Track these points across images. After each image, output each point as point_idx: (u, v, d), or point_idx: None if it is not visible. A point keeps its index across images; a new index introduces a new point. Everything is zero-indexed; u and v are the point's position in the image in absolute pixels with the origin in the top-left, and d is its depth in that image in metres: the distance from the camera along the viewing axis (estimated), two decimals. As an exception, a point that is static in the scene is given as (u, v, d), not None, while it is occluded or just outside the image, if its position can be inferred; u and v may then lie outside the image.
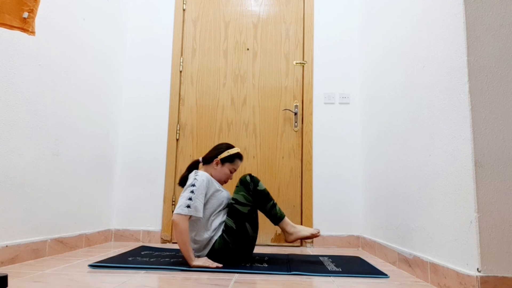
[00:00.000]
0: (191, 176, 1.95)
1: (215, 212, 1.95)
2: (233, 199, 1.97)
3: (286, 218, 2.00)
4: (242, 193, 1.97)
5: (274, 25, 3.10)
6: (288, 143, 2.96)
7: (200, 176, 1.92)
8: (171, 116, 2.99)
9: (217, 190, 1.98)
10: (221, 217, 1.98)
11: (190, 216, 1.84)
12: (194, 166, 2.08)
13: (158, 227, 2.84)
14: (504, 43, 1.36)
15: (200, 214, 1.86)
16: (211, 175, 2.08)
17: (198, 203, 1.86)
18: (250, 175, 2.00)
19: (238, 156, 2.11)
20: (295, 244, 2.82)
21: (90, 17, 2.50)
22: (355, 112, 2.97)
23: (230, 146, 2.11)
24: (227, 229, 1.92)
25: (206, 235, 1.91)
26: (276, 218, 1.98)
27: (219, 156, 2.07)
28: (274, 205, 1.99)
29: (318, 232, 1.99)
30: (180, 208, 1.82)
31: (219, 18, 3.12)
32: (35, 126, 1.98)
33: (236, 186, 2.01)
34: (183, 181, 2.03)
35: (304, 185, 2.88)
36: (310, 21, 3.08)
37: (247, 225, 1.93)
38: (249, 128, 2.98)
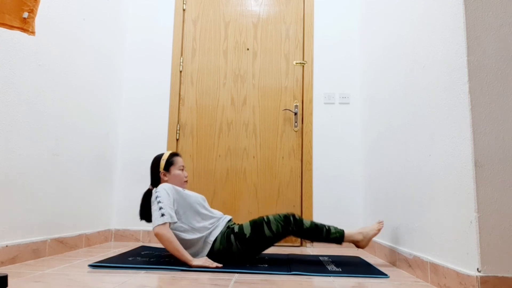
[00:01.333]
0: (153, 194, 1.93)
1: (195, 214, 1.95)
2: (267, 218, 1.95)
3: (346, 232, 1.98)
4: (278, 223, 1.93)
5: (274, 25, 3.10)
6: (288, 143, 2.96)
7: (159, 188, 1.91)
8: (171, 116, 2.99)
9: (185, 193, 1.97)
10: (209, 218, 1.97)
11: (170, 224, 1.84)
12: (148, 195, 2.06)
13: (158, 227, 2.84)
14: (504, 43, 1.36)
15: (176, 219, 1.85)
16: None
17: (169, 209, 1.85)
18: (293, 215, 1.95)
19: (173, 155, 2.09)
20: (295, 244, 2.82)
21: (90, 17, 2.50)
22: (355, 112, 2.97)
23: (161, 154, 2.10)
24: (239, 232, 1.92)
25: (197, 235, 1.92)
26: (338, 239, 1.95)
27: (160, 168, 2.06)
28: (329, 230, 1.96)
29: (382, 222, 2.01)
30: (156, 220, 1.81)
31: (219, 18, 3.12)
32: (35, 126, 1.98)
33: (279, 215, 1.97)
34: (143, 213, 2.03)
35: (304, 185, 2.88)
36: (310, 21, 3.08)
37: (259, 242, 1.93)
38: (249, 128, 2.98)
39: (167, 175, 2.06)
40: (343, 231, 1.97)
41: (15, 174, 1.84)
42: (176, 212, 1.92)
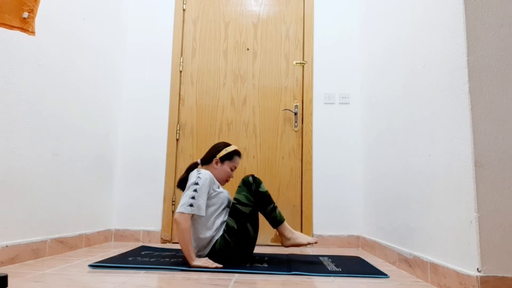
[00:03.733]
0: (193, 174, 1.94)
1: (216, 211, 1.96)
2: (235, 199, 1.97)
3: (285, 223, 2.00)
4: (244, 193, 1.97)
5: (274, 25, 3.10)
6: (288, 143, 2.96)
7: (203, 175, 1.92)
8: (171, 116, 2.99)
9: (218, 190, 1.99)
10: (223, 217, 1.98)
11: (193, 215, 1.84)
12: (193, 168, 2.08)
13: (158, 227, 2.84)
14: (504, 43, 1.36)
15: (203, 213, 1.86)
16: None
17: (201, 201, 1.86)
18: (252, 176, 2.00)
19: (236, 153, 2.12)
20: (295, 244, 2.82)
21: (90, 17, 2.50)
22: (355, 112, 2.97)
23: (228, 144, 2.12)
24: (228, 229, 1.92)
25: (208, 234, 1.91)
26: (276, 221, 1.98)
27: (218, 155, 2.08)
28: (275, 208, 1.99)
29: (316, 242, 1.98)
30: (183, 206, 1.81)
31: (219, 18, 3.12)
32: (35, 126, 1.98)
33: (239, 187, 2.01)
34: (182, 183, 2.03)
35: (304, 185, 2.88)
36: (310, 21, 3.08)
37: (249, 225, 1.93)
38: (249, 128, 2.98)
39: (218, 164, 2.08)
40: (284, 219, 2.00)
41: (15, 174, 1.84)
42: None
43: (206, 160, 2.10)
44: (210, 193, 1.94)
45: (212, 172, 2.08)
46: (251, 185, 1.97)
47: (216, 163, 2.08)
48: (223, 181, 2.11)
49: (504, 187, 1.30)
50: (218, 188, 2.01)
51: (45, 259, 1.99)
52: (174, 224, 1.81)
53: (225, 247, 1.90)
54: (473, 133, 1.32)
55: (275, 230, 2.84)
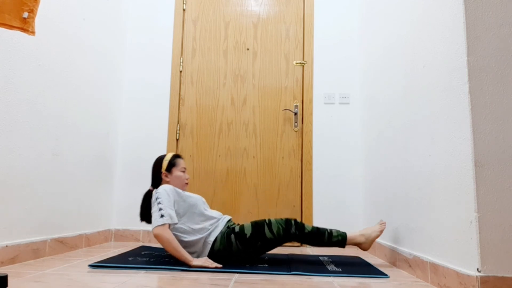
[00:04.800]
0: (153, 195, 1.94)
1: (196, 216, 1.95)
2: (269, 220, 1.95)
3: (349, 234, 1.96)
4: (279, 226, 1.93)
5: (274, 25, 3.10)
6: (288, 143, 2.96)
7: (160, 189, 1.91)
8: (171, 116, 2.99)
9: (185, 194, 1.98)
10: (203, 219, 1.97)
11: (169, 225, 1.84)
12: (149, 196, 2.07)
13: (158, 227, 2.84)
14: (504, 43, 1.36)
15: (176, 220, 1.86)
16: None
17: (169, 210, 1.85)
18: (295, 220, 1.95)
19: (175, 157, 2.10)
20: (294, 244, 2.82)
21: (90, 17, 2.50)
22: (355, 112, 2.97)
23: (163, 155, 2.10)
24: (239, 232, 1.92)
25: (197, 236, 1.92)
26: (341, 242, 1.94)
27: (162, 169, 2.06)
28: (330, 234, 1.94)
29: (384, 223, 1.98)
30: (155, 221, 1.81)
31: (219, 18, 3.12)
32: (35, 126, 1.98)
33: (281, 218, 1.97)
34: (143, 214, 2.03)
35: (304, 185, 2.88)
36: (310, 21, 3.08)
37: (260, 244, 1.92)
38: (249, 128, 2.98)
39: (168, 176, 2.06)
40: (345, 234, 1.95)
41: (15, 174, 1.84)
42: (176, 213, 1.92)
43: (156, 181, 2.08)
44: (177, 201, 1.94)
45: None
46: (290, 227, 1.92)
47: (166, 176, 2.06)
48: (183, 186, 2.09)
49: (504, 187, 1.29)
50: (184, 192, 2.00)
51: (45, 259, 1.98)
52: (157, 240, 1.81)
53: (226, 247, 1.90)
54: (473, 133, 1.32)
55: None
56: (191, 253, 1.94)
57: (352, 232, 2.00)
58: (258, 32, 3.09)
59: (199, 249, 1.94)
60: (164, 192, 1.89)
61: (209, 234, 1.95)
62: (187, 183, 2.10)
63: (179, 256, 1.79)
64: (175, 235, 1.91)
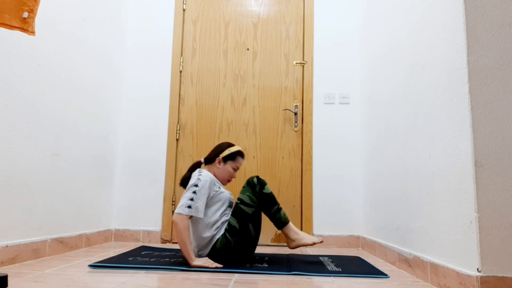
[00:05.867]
0: (195, 175, 1.95)
1: (217, 212, 1.96)
2: (238, 199, 1.98)
3: (290, 224, 2.00)
4: (248, 194, 1.97)
5: (274, 25, 3.10)
6: (288, 143, 2.96)
7: (203, 176, 1.92)
8: (171, 116, 2.99)
9: (219, 190, 1.99)
10: (224, 217, 1.98)
11: (191, 216, 1.84)
12: (196, 167, 2.08)
13: (158, 227, 2.84)
14: (504, 43, 1.36)
15: (201, 215, 1.86)
16: (214, 175, 2.08)
17: (200, 203, 1.86)
18: (257, 177, 2.00)
19: (239, 154, 2.12)
20: (295, 244, 2.82)
21: (90, 17, 2.50)
22: (355, 112, 2.97)
23: (231, 145, 2.12)
24: (230, 228, 1.92)
25: (207, 234, 1.91)
26: (280, 222, 1.98)
27: (221, 154, 2.08)
28: (279, 209, 1.99)
29: (321, 241, 1.97)
30: (181, 208, 1.82)
31: (219, 18, 3.12)
32: (35, 126, 1.98)
33: (243, 187, 2.01)
34: (184, 182, 2.04)
35: (304, 185, 2.88)
36: (310, 21, 3.08)
37: (250, 226, 1.93)
38: (249, 128, 2.98)
39: (221, 164, 2.08)
40: (288, 220, 1.99)
41: (16, 174, 1.84)
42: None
43: (210, 160, 2.10)
44: (211, 194, 1.95)
45: (214, 172, 2.09)
46: (255, 186, 1.97)
47: (219, 162, 2.08)
48: (225, 181, 2.11)
49: (504, 187, 1.30)
50: (220, 188, 2.01)
51: (45, 259, 1.99)
52: (172, 224, 1.82)
53: (226, 246, 1.90)
54: (473, 133, 1.32)
55: (275, 230, 2.84)
56: (194, 245, 1.94)
57: (293, 226, 2.01)
58: (258, 32, 3.09)
59: (203, 245, 1.92)
60: (205, 182, 1.90)
61: (217, 232, 1.94)
62: (229, 181, 2.13)
63: (184, 250, 1.79)
64: (194, 225, 1.92)
